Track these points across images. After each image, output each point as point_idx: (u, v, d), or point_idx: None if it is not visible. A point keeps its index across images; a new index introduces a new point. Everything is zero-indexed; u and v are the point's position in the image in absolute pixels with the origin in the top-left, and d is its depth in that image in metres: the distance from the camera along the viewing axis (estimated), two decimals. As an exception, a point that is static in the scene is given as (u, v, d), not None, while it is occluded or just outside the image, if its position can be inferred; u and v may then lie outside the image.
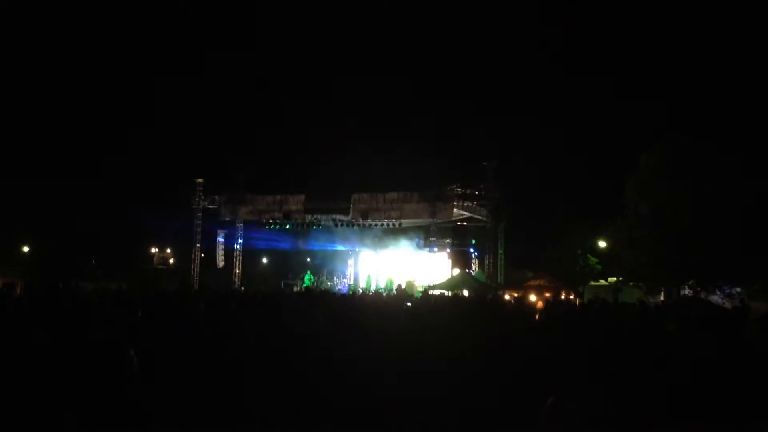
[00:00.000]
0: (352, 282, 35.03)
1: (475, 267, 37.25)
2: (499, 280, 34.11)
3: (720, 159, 27.99)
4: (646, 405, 4.60)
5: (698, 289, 29.29)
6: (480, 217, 34.74)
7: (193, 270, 37.60)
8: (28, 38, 59.71)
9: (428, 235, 34.57)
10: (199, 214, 37.40)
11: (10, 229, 41.39)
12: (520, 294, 24.73)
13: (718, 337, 7.14)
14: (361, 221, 34.24)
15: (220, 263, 39.56)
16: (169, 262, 58.92)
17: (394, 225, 33.76)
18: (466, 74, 68.36)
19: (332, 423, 4.16)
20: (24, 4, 50.59)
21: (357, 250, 38.11)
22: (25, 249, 43.88)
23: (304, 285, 31.64)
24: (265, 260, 50.16)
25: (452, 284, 29.18)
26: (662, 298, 30.19)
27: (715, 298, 28.16)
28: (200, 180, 37.15)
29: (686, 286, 30.12)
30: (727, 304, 24.46)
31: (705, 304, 17.25)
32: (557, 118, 61.06)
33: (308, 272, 36.08)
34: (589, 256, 35.42)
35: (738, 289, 29.22)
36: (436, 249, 34.85)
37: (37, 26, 55.75)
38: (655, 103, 52.73)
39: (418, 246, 34.72)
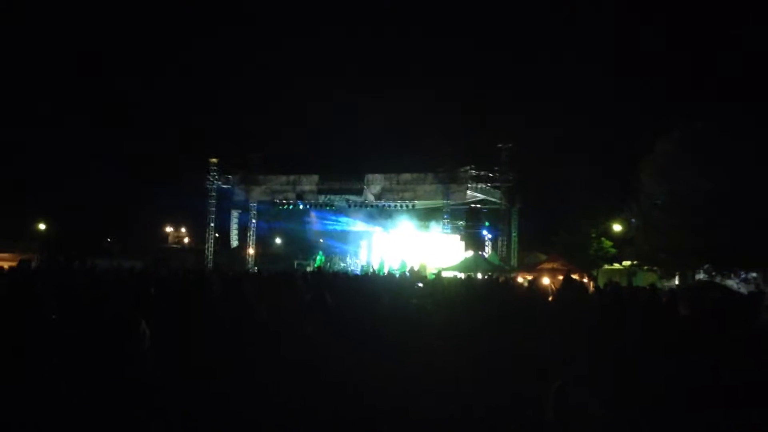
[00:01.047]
0: (364, 263, 35.06)
1: (488, 249, 37.19)
2: (512, 262, 34.04)
3: (736, 144, 27.61)
4: (656, 390, 4.56)
5: (713, 273, 29.04)
6: (494, 200, 34.60)
7: (207, 249, 37.81)
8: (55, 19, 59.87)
9: (442, 217, 34.46)
10: (213, 194, 37.52)
11: (26, 206, 41.82)
12: (533, 276, 24.64)
13: (733, 321, 7.06)
14: (374, 202, 34.20)
15: (234, 243, 39.75)
16: (183, 242, 59.39)
17: (407, 206, 33.70)
18: (486, 57, 67.83)
19: (343, 404, 4.16)
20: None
21: (370, 231, 38.10)
22: (41, 226, 44.30)
23: (316, 265, 31.72)
24: (278, 240, 50.35)
25: (465, 266, 29.10)
26: (677, 282, 29.98)
27: (731, 282, 27.91)
28: (214, 160, 37.24)
29: (701, 271, 29.88)
30: (743, 289, 24.29)
31: (720, 289, 17.07)
32: (574, 102, 60.51)
33: (320, 253, 36.17)
34: (603, 239, 35.21)
35: (754, 274, 28.97)
36: (449, 230, 34.77)
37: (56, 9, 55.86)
38: (671, 88, 52.07)
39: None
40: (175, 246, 56.79)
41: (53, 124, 48.19)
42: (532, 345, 5.62)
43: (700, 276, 29.78)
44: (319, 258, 34.78)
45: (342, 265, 35.00)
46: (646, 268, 32.37)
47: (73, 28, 60.80)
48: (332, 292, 6.22)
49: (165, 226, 59.95)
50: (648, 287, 13.58)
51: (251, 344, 4.47)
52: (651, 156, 30.45)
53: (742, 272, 29.25)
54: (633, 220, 31.67)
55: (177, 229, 61.31)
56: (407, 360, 4.72)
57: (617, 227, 34.37)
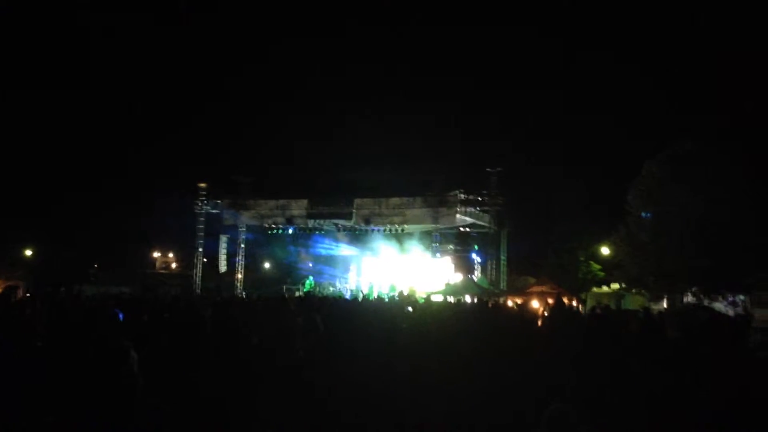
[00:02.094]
0: (354, 288, 34.93)
1: (477, 273, 37.19)
2: (501, 286, 34.03)
3: (724, 167, 27.92)
4: (647, 412, 4.57)
5: (701, 296, 29.19)
6: (483, 223, 34.68)
7: (195, 275, 37.55)
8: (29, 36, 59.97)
9: (431, 241, 34.46)
10: (202, 219, 37.36)
11: (12, 232, 41.45)
12: (522, 300, 24.66)
13: (721, 343, 7.10)
14: (363, 226, 34.18)
15: (222, 268, 39.52)
16: (171, 267, 59.03)
17: (396, 230, 33.70)
18: (473, 81, 68.47)
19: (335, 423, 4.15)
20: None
21: (359, 255, 38.04)
22: (28, 252, 43.89)
23: (306, 290, 31.57)
24: (267, 265, 50.15)
25: (455, 290, 29.08)
26: (665, 305, 30.10)
27: (719, 305, 28.05)
28: (203, 185, 37.13)
29: (689, 294, 30.02)
30: (731, 312, 24.41)
31: (708, 311, 17.15)
32: (562, 126, 61.10)
33: (310, 277, 36.03)
34: (591, 263, 35.35)
35: (742, 297, 29.14)
36: (439, 255, 34.77)
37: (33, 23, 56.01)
38: (659, 111, 52.71)
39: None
40: (162, 271, 56.43)
41: (37, 149, 47.94)
42: (523, 368, 5.62)
43: (688, 299, 29.92)
44: (309, 283, 34.64)
45: (331, 289, 34.87)
46: (634, 291, 32.50)
47: (55, 48, 60.93)
48: (323, 316, 6.20)
49: (152, 251, 59.62)
50: (641, 309, 13.65)
51: (245, 367, 4.45)
52: (638, 178, 30.73)
53: (730, 295, 29.42)
54: (621, 243, 31.84)
55: (165, 254, 60.99)
56: (399, 383, 4.71)
57: (605, 250, 34.54)
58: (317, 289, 33.61)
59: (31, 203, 44.63)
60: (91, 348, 4.13)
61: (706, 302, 27.92)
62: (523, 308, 16.52)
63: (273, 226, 35.84)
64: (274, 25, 72.64)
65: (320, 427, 3.96)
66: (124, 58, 65.86)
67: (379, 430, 4.15)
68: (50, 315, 7.18)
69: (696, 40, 57.18)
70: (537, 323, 10.61)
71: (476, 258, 38.50)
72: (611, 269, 33.65)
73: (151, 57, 67.08)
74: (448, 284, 30.97)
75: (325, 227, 35.88)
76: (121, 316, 5.44)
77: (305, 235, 37.53)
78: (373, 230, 34.25)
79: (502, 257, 35.81)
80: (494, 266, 35.46)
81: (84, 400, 3.56)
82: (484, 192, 33.06)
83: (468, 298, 24.97)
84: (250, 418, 3.87)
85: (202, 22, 69.87)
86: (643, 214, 30.73)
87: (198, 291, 34.72)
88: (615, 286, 34.91)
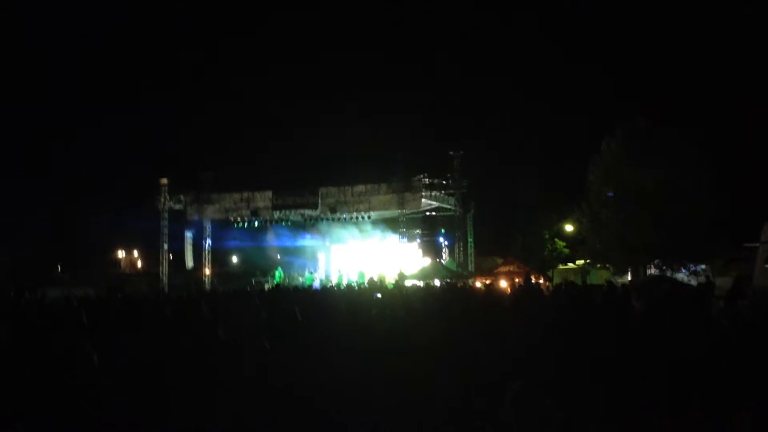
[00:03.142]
0: (323, 277, 34.88)
1: (445, 256, 37.44)
2: (469, 268, 34.34)
3: (678, 140, 28.53)
4: (615, 387, 4.67)
5: (664, 267, 29.86)
6: (448, 207, 34.89)
7: (162, 272, 37.08)
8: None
9: (398, 227, 34.58)
10: (166, 215, 36.84)
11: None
12: (490, 281, 24.95)
13: (685, 312, 7.28)
14: (329, 215, 34.10)
15: (189, 264, 39.08)
16: (137, 266, 58.16)
17: (362, 217, 33.71)
18: (434, 63, 68.57)
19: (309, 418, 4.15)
20: None
21: (327, 244, 37.97)
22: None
23: (276, 281, 31.41)
24: (234, 259, 49.74)
25: (424, 274, 29.26)
26: (629, 278, 30.72)
27: (681, 275, 28.75)
28: (165, 180, 36.56)
29: (652, 266, 30.67)
30: (693, 282, 25.03)
31: (670, 282, 17.56)
32: (521, 105, 61.61)
33: (278, 269, 35.87)
34: (556, 240, 35.86)
35: (703, 266, 29.89)
36: (406, 239, 34.89)
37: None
38: (615, 87, 53.51)
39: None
40: (127, 271, 55.58)
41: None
42: (491, 348, 5.69)
43: (652, 271, 30.57)
44: (278, 274, 34.48)
45: (300, 280, 34.77)
46: (599, 266, 33.10)
47: (18, 47, 59.18)
48: (300, 307, 6.19)
49: (116, 251, 58.63)
50: (605, 283, 13.91)
51: (212, 362, 4.42)
52: (597, 155, 31.18)
53: (692, 265, 30.14)
54: (584, 219, 32.33)
55: (129, 253, 60.02)
56: (369, 367, 4.73)
57: (569, 227, 35.06)
58: (287, 280, 33.47)
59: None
60: (53, 351, 4.07)
61: (668, 273, 28.56)
62: (491, 288, 16.70)
63: (238, 219, 35.53)
64: (227, 13, 71.65)
65: (292, 416, 3.96)
66: (82, 51, 64.28)
67: (350, 412, 4.17)
68: (13, 319, 7.03)
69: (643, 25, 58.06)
70: (504, 302, 10.74)
71: (443, 241, 38.75)
72: (576, 246, 34.21)
73: (109, 49, 65.65)
74: (417, 269, 31.14)
75: (291, 218, 35.70)
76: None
77: (271, 227, 37.30)
78: (339, 218, 34.19)
79: (469, 239, 36.09)
80: (461, 248, 35.76)
81: (49, 405, 3.50)
82: (448, 175, 33.24)
83: (437, 282, 25.15)
84: (219, 411, 3.85)
85: (157, 8, 68.59)
86: (604, 191, 31.22)
87: (165, 289, 34.31)
88: (580, 262, 35.51)
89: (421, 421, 4.29)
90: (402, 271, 28.50)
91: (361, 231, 35.87)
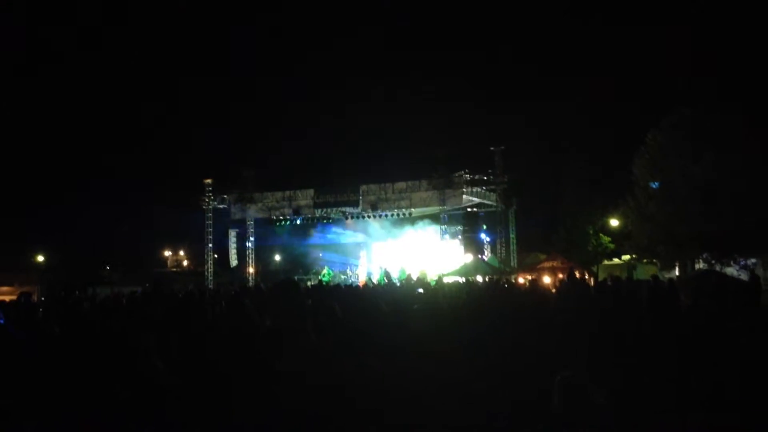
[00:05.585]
0: (365, 274, 34.97)
1: (487, 253, 37.18)
2: (512, 264, 34.04)
3: (724, 130, 27.69)
4: (662, 379, 4.59)
5: (713, 262, 29.07)
6: (490, 203, 34.63)
7: (207, 271, 37.74)
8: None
9: (440, 224, 34.47)
10: (210, 215, 37.50)
11: (24, 238, 41.75)
12: (534, 276, 24.69)
13: (734, 306, 7.12)
14: (371, 212, 34.22)
15: (233, 262, 39.68)
16: (183, 264, 59.31)
17: (404, 214, 33.71)
18: (476, 60, 68.12)
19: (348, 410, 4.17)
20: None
21: (369, 241, 38.11)
22: (40, 258, 44.19)
23: (325, 280, 31.63)
24: (277, 257, 50.32)
25: (465, 271, 29.09)
26: (677, 272, 30.03)
27: (731, 270, 27.94)
28: (209, 180, 37.23)
29: (701, 260, 29.91)
30: (743, 276, 24.31)
31: (719, 276, 17.13)
32: (566, 100, 60.74)
33: (327, 267, 36.18)
34: (601, 235, 35.23)
35: (753, 260, 28.99)
36: (447, 236, 34.75)
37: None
38: (662, 79, 52.33)
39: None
40: (174, 269, 56.71)
41: (47, 153, 48.22)
42: (537, 341, 5.65)
43: (700, 265, 29.81)
44: (327, 272, 34.69)
45: (343, 278, 34.96)
46: (645, 260, 32.40)
47: (59, 56, 61.03)
48: (341, 304, 6.23)
49: (163, 250, 59.90)
50: (651, 278, 13.63)
51: (255, 351, 4.47)
52: (643, 147, 30.56)
53: (741, 259, 29.26)
54: (630, 213, 31.70)
55: (176, 252, 61.26)
56: (412, 364, 4.74)
57: (614, 222, 34.40)
58: (335, 279, 33.66)
59: (40, 209, 44.89)
60: (112, 351, 4.17)
61: (717, 267, 27.80)
62: (535, 284, 16.54)
63: (281, 217, 35.94)
64: (264, 11, 72.40)
65: (331, 409, 3.99)
66: (124, 57, 65.81)
67: (393, 407, 4.18)
68: (66, 316, 7.25)
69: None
70: (549, 297, 10.64)
71: (485, 238, 38.48)
72: (621, 240, 33.51)
73: (151, 54, 67.02)
74: (459, 266, 30.96)
75: (332, 216, 35.95)
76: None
77: (313, 225, 37.62)
78: (380, 216, 34.27)
79: (512, 235, 35.78)
80: (504, 245, 35.48)
81: (102, 395, 3.61)
82: (489, 171, 32.98)
83: (479, 278, 24.99)
84: (261, 401, 3.90)
85: (193, 13, 69.74)
86: (651, 184, 30.58)
87: (211, 287, 34.89)
88: (626, 257, 34.81)
89: (469, 419, 4.29)
90: (424, 271, 28.22)
91: (402, 228, 35.89)
